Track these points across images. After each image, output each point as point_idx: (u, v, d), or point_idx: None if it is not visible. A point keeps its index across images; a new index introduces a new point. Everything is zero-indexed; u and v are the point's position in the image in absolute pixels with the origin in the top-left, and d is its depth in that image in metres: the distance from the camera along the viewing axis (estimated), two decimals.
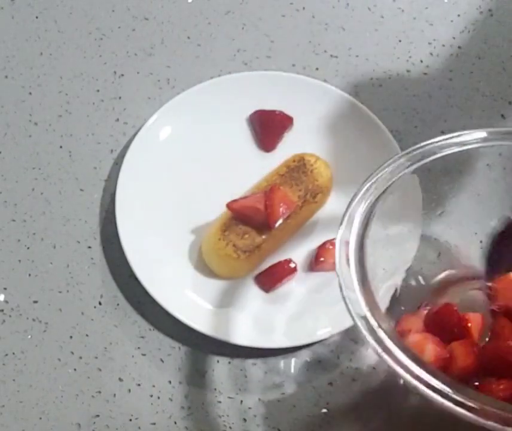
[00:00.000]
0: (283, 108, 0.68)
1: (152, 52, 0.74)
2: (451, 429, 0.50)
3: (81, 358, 0.62)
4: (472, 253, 0.60)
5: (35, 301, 0.63)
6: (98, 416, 0.60)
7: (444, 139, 0.55)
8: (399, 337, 0.49)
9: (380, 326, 0.48)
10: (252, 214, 0.62)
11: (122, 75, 0.73)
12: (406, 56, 0.74)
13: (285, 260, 0.63)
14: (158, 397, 0.60)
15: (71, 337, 0.62)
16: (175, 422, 0.60)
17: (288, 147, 0.67)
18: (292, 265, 0.63)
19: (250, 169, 0.67)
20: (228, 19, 0.76)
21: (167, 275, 0.63)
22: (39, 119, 0.71)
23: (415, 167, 0.55)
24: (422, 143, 0.55)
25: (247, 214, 0.62)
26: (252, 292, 0.63)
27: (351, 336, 0.62)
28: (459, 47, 0.75)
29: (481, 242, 0.60)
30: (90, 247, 0.65)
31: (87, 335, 0.62)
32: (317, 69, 0.73)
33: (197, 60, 0.74)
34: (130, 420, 0.60)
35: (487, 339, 0.56)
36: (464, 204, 0.60)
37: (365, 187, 0.53)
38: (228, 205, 0.62)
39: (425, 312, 0.56)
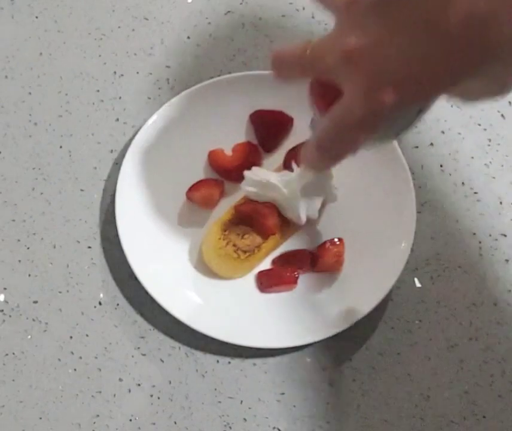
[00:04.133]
0: (283, 108, 0.68)
1: (152, 52, 0.74)
2: None
3: (81, 358, 0.62)
4: None
5: (35, 302, 0.63)
6: (98, 416, 0.60)
7: None
8: None
9: None
10: (259, 217, 0.62)
11: (122, 75, 0.73)
12: None
13: (291, 269, 0.63)
14: (158, 397, 0.60)
15: (71, 337, 0.62)
16: (175, 422, 0.60)
17: (288, 147, 0.67)
18: (295, 275, 0.63)
19: None
20: (228, 19, 0.76)
21: (167, 275, 0.63)
22: (39, 119, 0.71)
23: None
24: None
25: (254, 217, 0.62)
26: (252, 292, 0.63)
27: (351, 336, 0.62)
28: None
29: None
30: (90, 247, 0.65)
31: (87, 335, 0.62)
32: None
33: (197, 60, 0.74)
34: (130, 420, 0.60)
35: None
36: None
37: None
38: (236, 208, 0.62)
39: None
